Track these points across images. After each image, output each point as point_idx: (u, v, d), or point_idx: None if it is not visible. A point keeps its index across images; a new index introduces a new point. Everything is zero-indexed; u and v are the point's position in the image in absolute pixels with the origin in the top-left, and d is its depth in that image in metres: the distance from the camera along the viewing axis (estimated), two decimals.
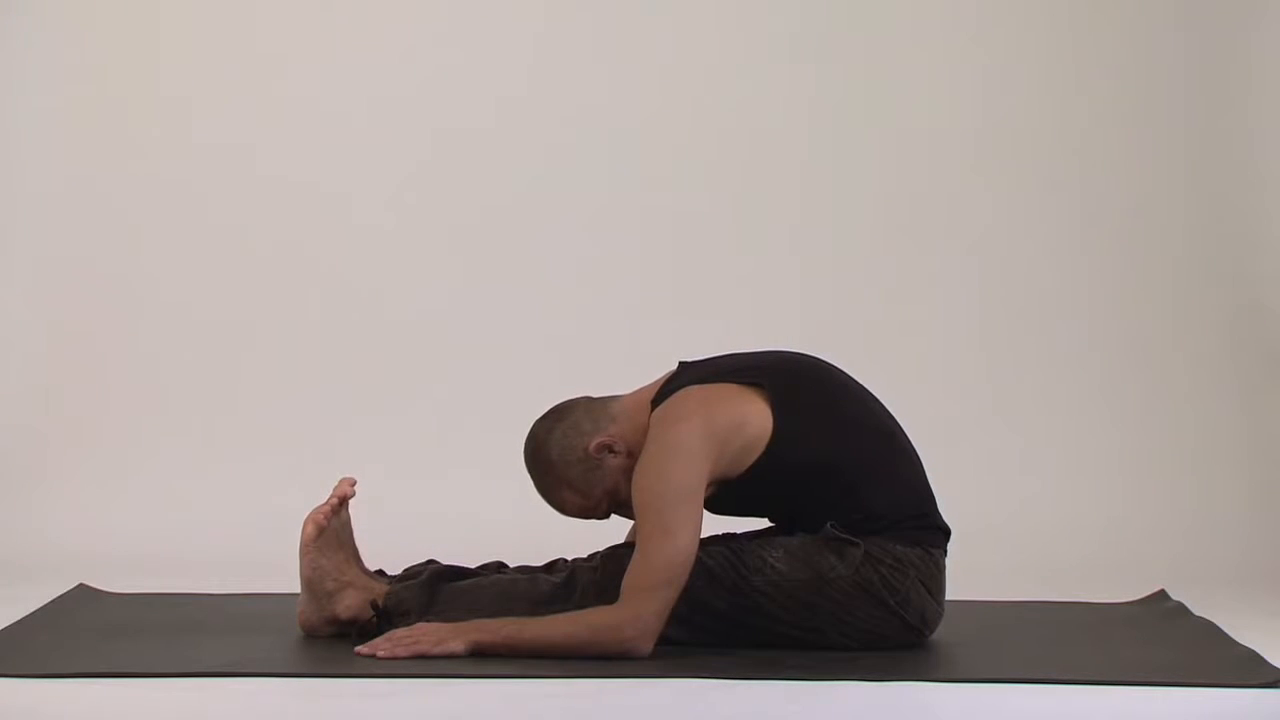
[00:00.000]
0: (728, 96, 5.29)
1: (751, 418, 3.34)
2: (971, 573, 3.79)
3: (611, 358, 4.93)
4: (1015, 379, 5.18)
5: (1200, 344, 5.17)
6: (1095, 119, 5.26)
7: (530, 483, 3.47)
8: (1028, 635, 3.64)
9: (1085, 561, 4.67)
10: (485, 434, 4.88)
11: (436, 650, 3.20)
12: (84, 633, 3.49)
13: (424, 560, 3.55)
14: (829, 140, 5.28)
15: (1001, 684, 3.12)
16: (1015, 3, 5.29)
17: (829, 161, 5.28)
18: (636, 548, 3.26)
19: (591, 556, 3.47)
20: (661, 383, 3.47)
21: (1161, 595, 4.06)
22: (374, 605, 3.42)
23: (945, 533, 3.45)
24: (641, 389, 3.48)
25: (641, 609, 3.20)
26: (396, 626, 3.33)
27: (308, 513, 3.45)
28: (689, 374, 3.44)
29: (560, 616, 3.27)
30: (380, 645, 3.23)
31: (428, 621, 3.32)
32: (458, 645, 3.21)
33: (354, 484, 3.48)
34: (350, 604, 3.43)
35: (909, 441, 3.48)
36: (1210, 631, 3.60)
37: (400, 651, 3.20)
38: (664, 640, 3.24)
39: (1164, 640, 3.58)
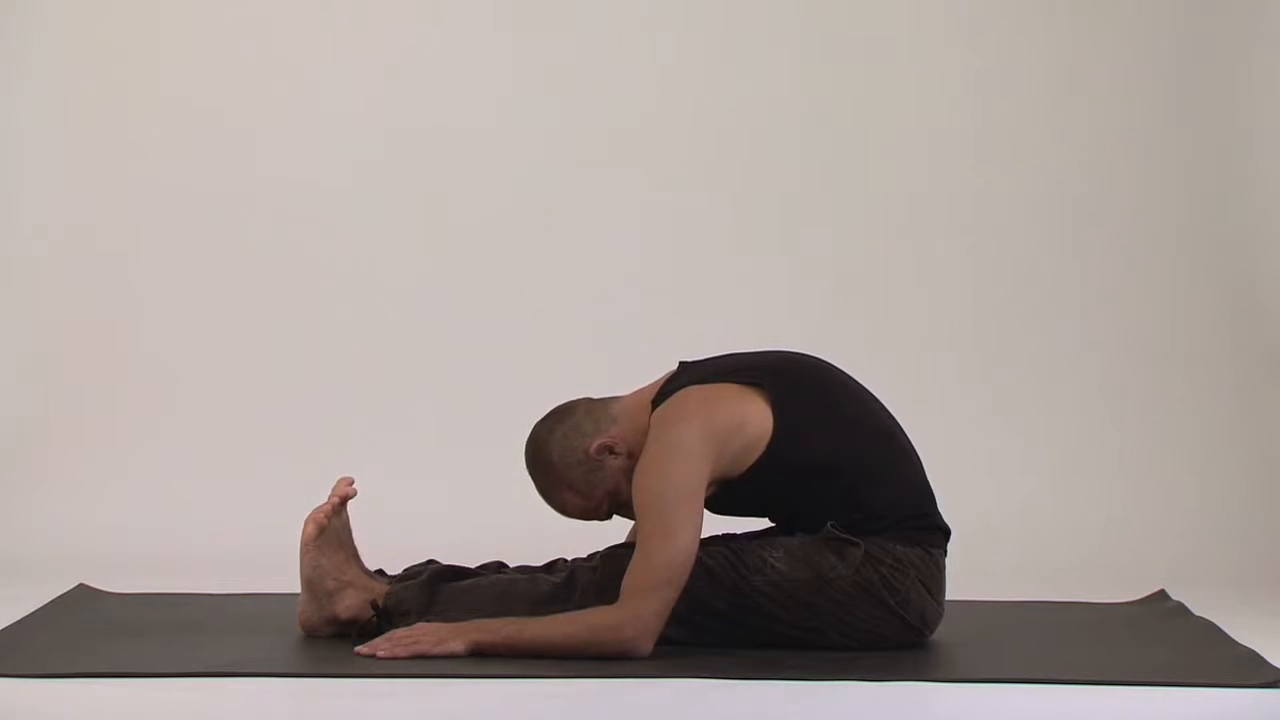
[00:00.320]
0: (728, 97, 5.28)
1: (752, 418, 3.34)
2: (971, 573, 3.79)
3: (611, 358, 4.93)
4: (1015, 379, 5.18)
5: (1199, 344, 5.17)
6: (1094, 119, 5.26)
7: (530, 483, 3.47)
8: (1028, 635, 3.64)
9: (1085, 561, 4.67)
10: (485, 434, 4.89)
11: (436, 650, 3.20)
12: (84, 633, 3.49)
13: (424, 560, 3.55)
14: (828, 141, 5.28)
15: (1001, 684, 3.12)
16: (1013, 3, 5.29)
17: (828, 162, 5.28)
18: (637, 548, 3.26)
19: (591, 556, 3.47)
20: (661, 383, 3.47)
21: (1161, 595, 4.06)
22: (374, 605, 3.42)
23: (945, 533, 3.45)
24: (641, 389, 3.48)
25: (641, 609, 3.20)
26: (396, 626, 3.33)
27: (308, 513, 3.45)
28: (689, 374, 3.44)
29: (560, 616, 3.27)
30: (380, 645, 3.23)
31: (428, 621, 3.32)
32: (458, 645, 3.21)
33: (353, 484, 3.48)
34: (350, 604, 3.43)
35: (909, 441, 3.48)
36: (1210, 631, 3.60)
37: (400, 651, 3.20)
38: (664, 640, 3.24)
39: (1164, 640, 3.58)
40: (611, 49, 5.30)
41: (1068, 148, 5.26)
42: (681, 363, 3.51)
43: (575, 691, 3.02)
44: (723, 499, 3.38)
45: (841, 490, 3.37)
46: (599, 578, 3.37)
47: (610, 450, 3.40)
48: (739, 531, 3.46)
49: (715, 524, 3.41)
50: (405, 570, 3.51)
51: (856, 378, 3.52)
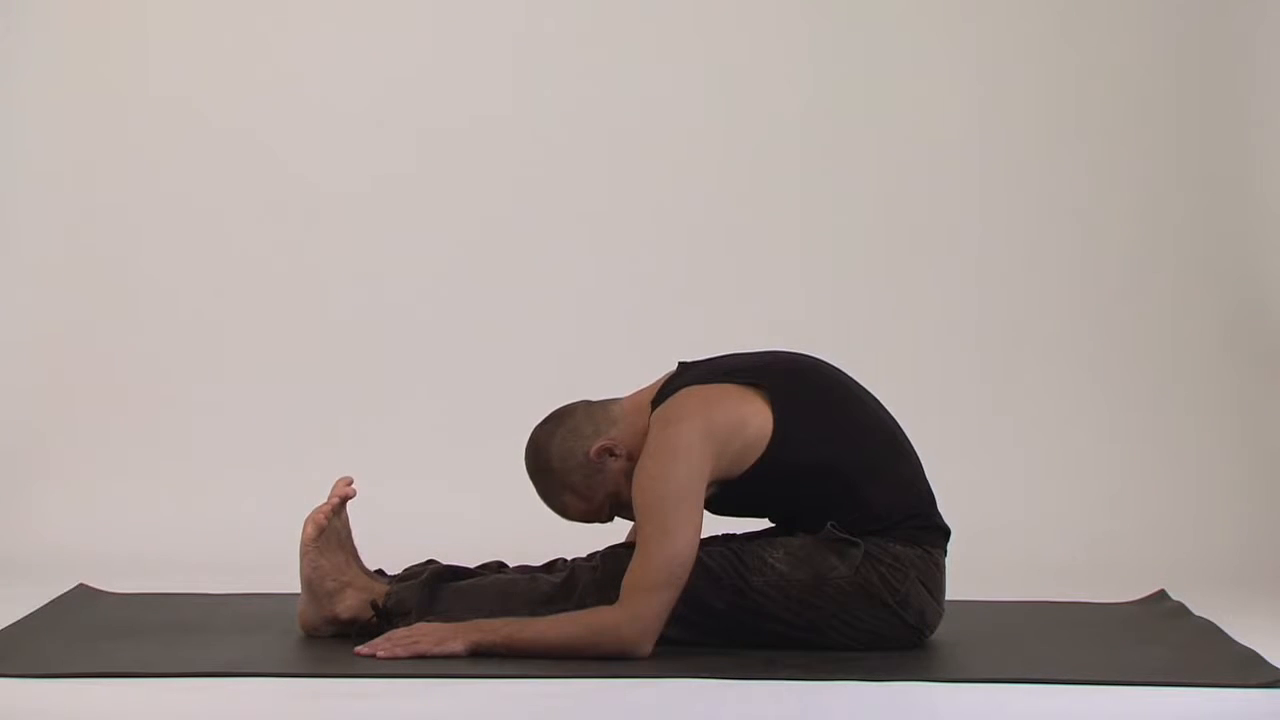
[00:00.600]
0: (728, 96, 5.29)
1: (751, 418, 3.34)
2: (971, 573, 3.79)
3: (611, 358, 4.93)
4: (1015, 379, 5.18)
5: (1200, 344, 5.17)
6: (1094, 120, 5.26)
7: (530, 484, 3.47)
8: (1027, 635, 3.64)
9: (1085, 561, 4.67)
10: (485, 434, 4.89)
11: (436, 650, 3.20)
12: (84, 633, 3.49)
13: (424, 560, 3.55)
14: (829, 141, 5.28)
15: (1001, 684, 3.12)
16: (1015, 4, 5.29)
17: (829, 162, 5.28)
18: (637, 548, 3.26)
19: (591, 556, 3.47)
20: (661, 383, 3.47)
21: (1161, 595, 4.06)
22: (374, 605, 3.42)
23: (945, 533, 3.45)
24: (641, 390, 3.48)
25: (641, 609, 3.20)
26: (396, 626, 3.33)
27: (307, 513, 3.45)
28: (689, 374, 3.44)
29: (560, 617, 3.27)
30: (380, 645, 3.23)
31: (428, 621, 3.32)
32: (458, 645, 3.21)
33: (352, 484, 3.47)
34: (350, 604, 3.43)
35: (909, 442, 3.48)
36: (1210, 631, 3.60)
37: (400, 651, 3.20)
38: (664, 640, 3.24)
39: (1164, 640, 3.58)
40: (612, 49, 5.30)
41: (1069, 151, 5.26)
42: (681, 363, 3.51)
43: (575, 691, 3.02)
44: (723, 499, 3.38)
45: (841, 490, 3.37)
46: (599, 578, 3.37)
47: (610, 452, 3.40)
48: (739, 531, 3.46)
49: (715, 524, 3.41)
50: (405, 570, 3.51)
51: (856, 378, 3.51)
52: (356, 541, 3.49)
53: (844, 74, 5.30)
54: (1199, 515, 4.92)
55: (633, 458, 3.37)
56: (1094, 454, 5.07)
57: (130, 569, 4.30)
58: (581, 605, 3.32)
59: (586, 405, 3.46)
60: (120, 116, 5.23)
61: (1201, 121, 5.24)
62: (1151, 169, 5.25)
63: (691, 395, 3.36)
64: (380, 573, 3.54)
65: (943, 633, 3.46)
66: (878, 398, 3.51)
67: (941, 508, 3.47)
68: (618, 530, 3.57)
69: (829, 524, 3.35)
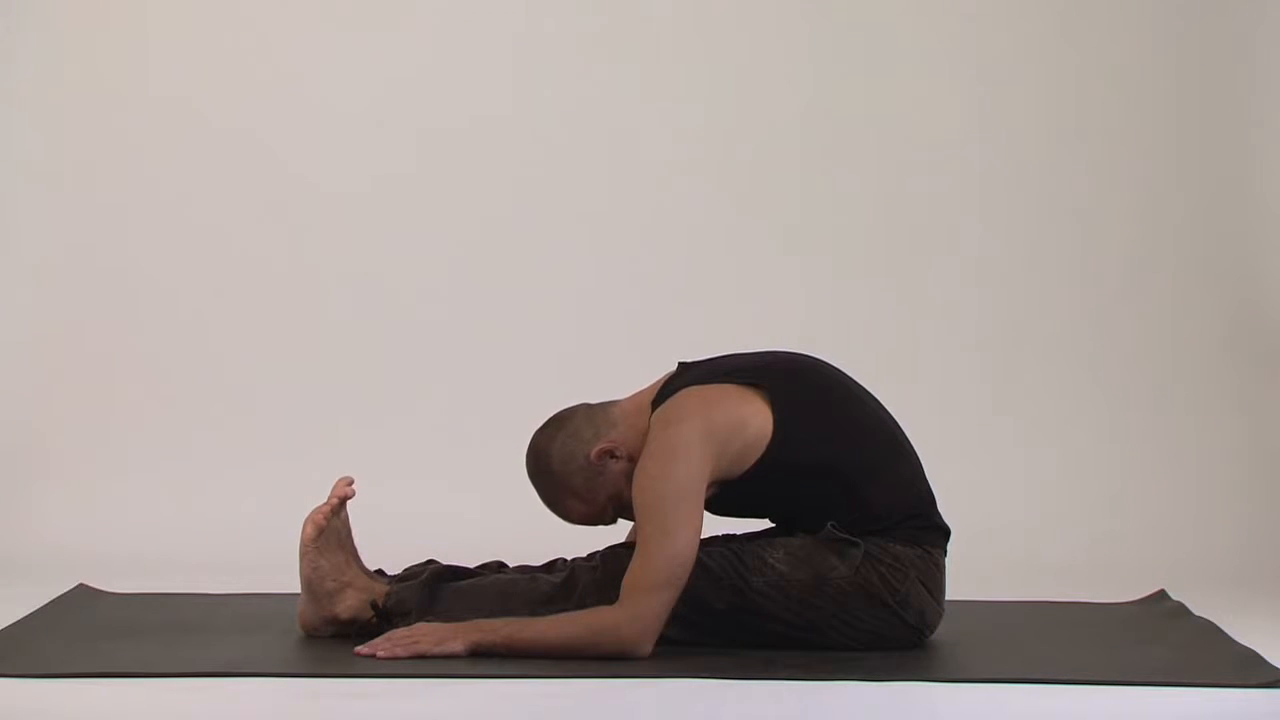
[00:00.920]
0: (728, 96, 5.28)
1: (751, 418, 3.34)
2: (971, 573, 3.79)
3: (611, 358, 4.93)
4: (1015, 379, 5.18)
5: (1200, 344, 5.17)
6: (1094, 120, 5.26)
7: (530, 485, 3.47)
8: (1028, 635, 3.64)
9: (1085, 561, 4.67)
10: (485, 434, 4.90)
11: (436, 650, 3.20)
12: (84, 633, 3.49)
13: (424, 560, 3.55)
14: (829, 140, 5.28)
15: (1001, 684, 3.12)
16: (1015, 5, 5.29)
17: (829, 162, 5.28)
18: (637, 548, 3.26)
19: (591, 556, 3.47)
20: (661, 384, 3.47)
21: (1161, 595, 4.06)
22: (374, 605, 3.42)
23: (945, 533, 3.45)
24: (640, 391, 3.48)
25: (641, 609, 3.20)
26: (396, 626, 3.33)
27: (307, 513, 3.45)
28: (689, 375, 3.44)
29: (560, 617, 3.27)
30: (380, 645, 3.23)
31: (428, 621, 3.32)
32: (458, 645, 3.21)
33: (352, 484, 3.47)
34: (350, 604, 3.43)
35: (909, 442, 3.48)
36: (1210, 631, 3.60)
37: (400, 651, 3.20)
38: (664, 640, 3.24)
39: (1164, 640, 3.58)
40: (612, 49, 5.30)
41: (1069, 151, 5.26)
42: (681, 363, 3.51)
43: (575, 691, 3.02)
44: (723, 499, 3.38)
45: (841, 490, 3.37)
46: (599, 578, 3.37)
47: (611, 454, 3.40)
48: (739, 531, 3.46)
49: (715, 524, 3.41)
50: (405, 570, 3.51)
51: (856, 378, 3.51)
52: (356, 541, 3.49)
53: (844, 74, 5.30)
54: (1199, 515, 4.92)
55: (633, 459, 3.36)
56: (1094, 454, 5.07)
57: (130, 569, 4.30)
58: (581, 605, 3.32)
59: (586, 408, 3.46)
60: (120, 116, 5.23)
61: (1202, 121, 5.24)
62: (1152, 169, 5.25)
63: (691, 396, 3.36)
64: (380, 573, 3.54)
65: (943, 633, 3.46)
66: (878, 398, 3.51)
67: (941, 508, 3.47)
68: (617, 530, 3.57)
69: (829, 524, 3.35)
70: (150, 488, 4.94)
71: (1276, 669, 3.18)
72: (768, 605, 3.33)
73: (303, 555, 3.44)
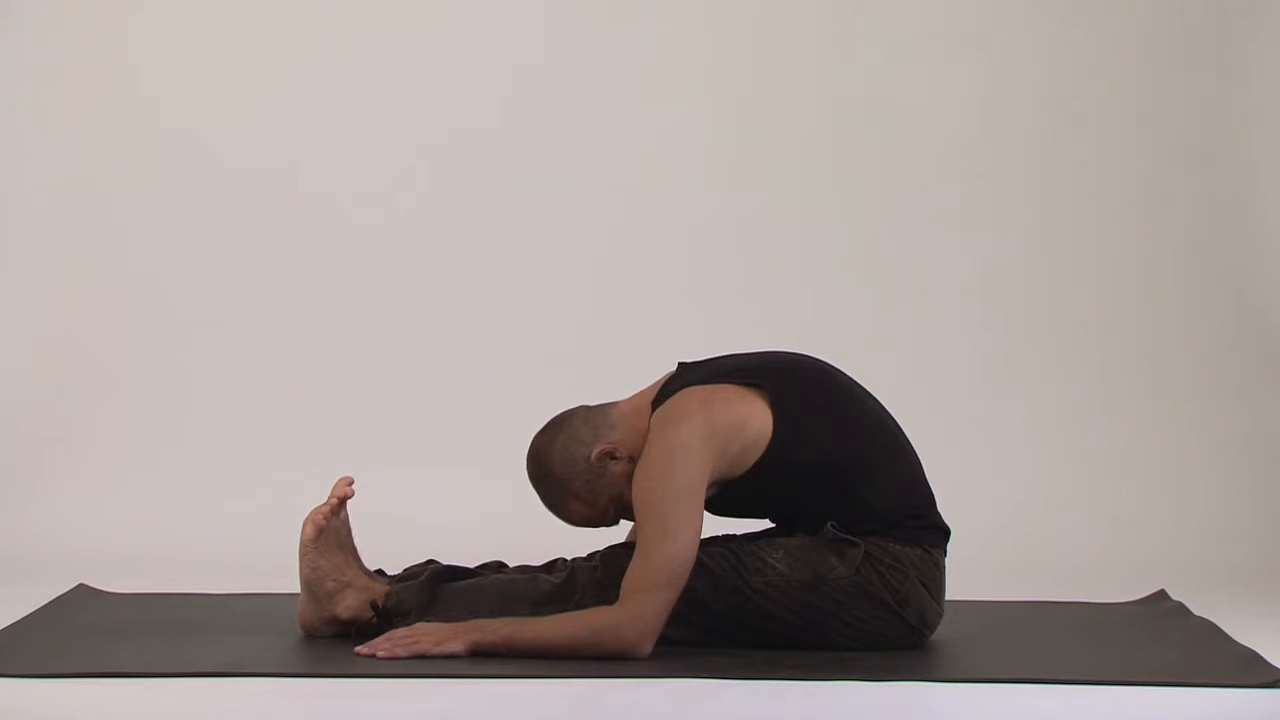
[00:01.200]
0: (728, 97, 5.28)
1: (752, 419, 3.33)
2: (971, 573, 3.79)
3: (611, 358, 4.93)
4: (1015, 379, 5.18)
5: (1200, 344, 5.17)
6: (1094, 120, 5.26)
7: (530, 484, 3.46)
8: (1028, 635, 3.64)
9: (1085, 561, 4.67)
10: (485, 434, 4.90)
11: (436, 650, 3.20)
12: (84, 633, 3.49)
13: (424, 560, 3.55)
14: (831, 141, 5.28)
15: (1001, 684, 3.12)
16: (1016, 7, 5.29)
17: (830, 162, 5.27)
18: (637, 548, 3.26)
19: (591, 556, 3.47)
20: (661, 384, 3.47)
21: (1161, 595, 4.06)
22: (374, 605, 3.42)
23: (945, 533, 3.45)
24: (640, 392, 3.48)
25: (641, 609, 3.20)
26: (396, 626, 3.33)
27: (307, 513, 3.45)
28: (689, 375, 3.44)
29: (560, 617, 3.27)
30: (380, 645, 3.23)
31: (428, 621, 3.32)
32: (457, 645, 3.21)
33: (352, 484, 3.47)
34: (350, 604, 3.43)
35: (909, 441, 3.48)
36: (1210, 631, 3.60)
37: (400, 651, 3.20)
38: (664, 640, 3.24)
39: (1164, 640, 3.58)
40: (614, 50, 5.30)
41: (1070, 150, 5.26)
42: (681, 363, 3.51)
43: (575, 691, 3.02)
44: (723, 500, 3.38)
45: (841, 490, 3.37)
46: (599, 578, 3.38)
47: (612, 456, 3.40)
48: (739, 532, 3.46)
49: (715, 524, 3.41)
50: (405, 570, 3.51)
51: (857, 378, 3.51)
52: (356, 541, 3.49)
53: (847, 72, 5.29)
54: (1199, 515, 4.91)
55: (634, 460, 3.36)
56: (1094, 454, 5.07)
57: (130, 569, 4.30)
58: (581, 605, 3.32)
59: (585, 410, 3.46)
60: (119, 127, 5.22)
61: (1205, 121, 5.24)
62: (1154, 169, 5.24)
63: (691, 396, 3.36)
64: (380, 573, 3.54)
65: (943, 633, 3.46)
66: (878, 398, 3.51)
67: (941, 508, 3.47)
68: (617, 530, 3.57)
69: (829, 524, 3.35)
70: (150, 488, 4.94)
71: (1276, 669, 3.18)
72: (767, 605, 3.33)
73: (302, 555, 3.44)
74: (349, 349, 5.17)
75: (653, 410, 3.39)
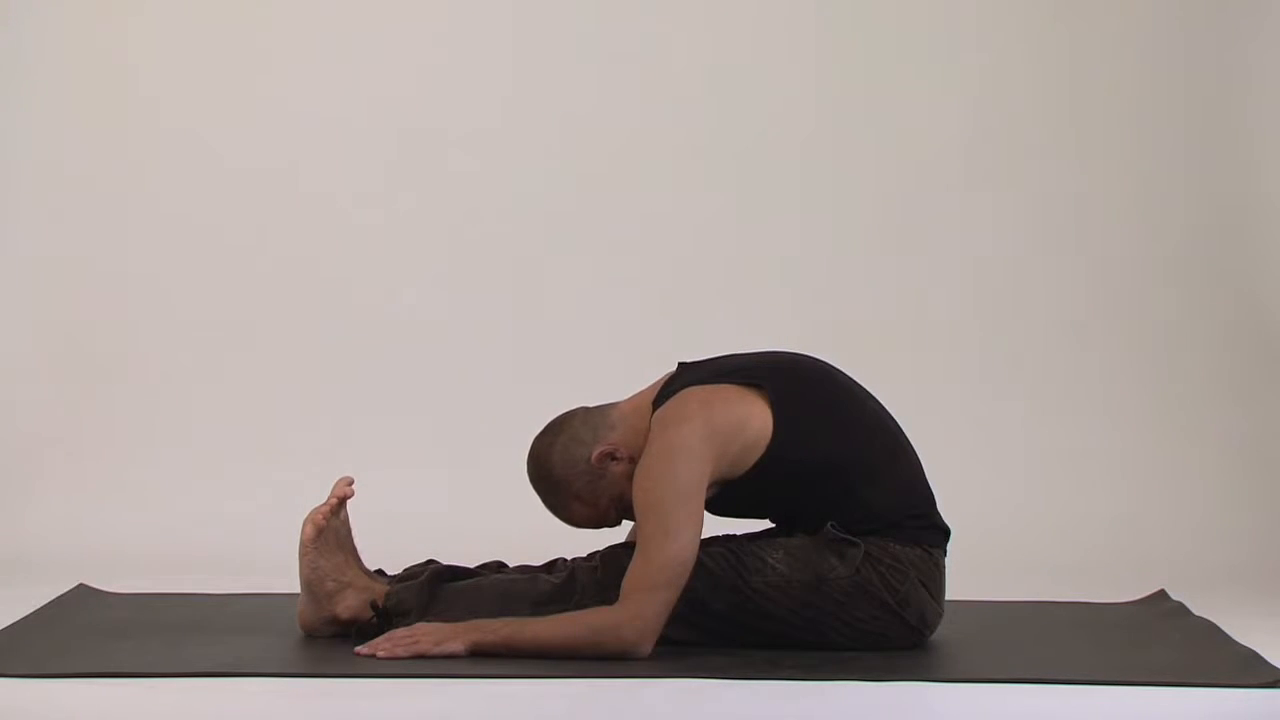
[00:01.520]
0: (728, 97, 5.28)
1: (752, 419, 3.33)
2: (971, 573, 3.79)
3: (611, 358, 4.93)
4: (1015, 379, 5.18)
5: (1200, 344, 5.17)
6: (1094, 120, 5.26)
7: (530, 484, 3.46)
8: (1028, 635, 3.64)
9: (1085, 561, 4.67)
10: (485, 434, 4.90)
11: (436, 650, 3.20)
12: (84, 633, 3.49)
13: (424, 560, 3.55)
14: (828, 141, 5.27)
15: (1001, 684, 3.12)
16: (1017, 6, 5.29)
17: (828, 162, 5.27)
18: (637, 548, 3.26)
19: (591, 556, 3.47)
20: (661, 384, 3.47)
21: (1161, 595, 4.06)
22: (374, 605, 3.42)
23: (945, 533, 3.45)
24: (640, 392, 3.48)
25: (641, 609, 3.20)
26: (396, 626, 3.33)
27: (307, 513, 3.45)
28: (689, 375, 3.44)
29: (560, 617, 3.27)
30: (380, 645, 3.23)
31: (428, 621, 3.32)
32: (457, 645, 3.21)
33: (352, 484, 3.47)
34: (350, 604, 3.43)
35: (909, 442, 3.48)
36: (1210, 631, 3.60)
37: (400, 651, 3.20)
38: (664, 640, 3.24)
39: (1164, 640, 3.58)
40: (611, 50, 5.30)
41: (1069, 150, 5.26)
42: (681, 363, 3.51)
43: (575, 691, 3.02)
44: (723, 500, 3.38)
45: (841, 490, 3.37)
46: (599, 578, 3.38)
47: (612, 457, 3.40)
48: (739, 532, 3.46)
49: (715, 524, 3.41)
50: (405, 570, 3.51)
51: (856, 378, 3.51)
52: (356, 541, 3.49)
53: (845, 74, 5.29)
54: (1199, 515, 4.91)
55: (634, 460, 3.36)
56: (1094, 454, 5.07)
57: (130, 569, 4.30)
58: (581, 605, 3.32)
59: (584, 411, 3.46)
60: (118, 121, 5.22)
61: (1204, 121, 5.24)
62: (1155, 171, 5.24)
63: (692, 396, 3.36)
64: (380, 573, 3.54)
65: (943, 633, 3.46)
66: (878, 398, 3.51)
67: (941, 508, 3.47)
68: (617, 530, 3.57)
69: (829, 524, 3.35)
70: (150, 488, 4.94)
71: (1276, 669, 3.18)
72: (768, 605, 3.33)
73: (302, 555, 3.44)
74: (349, 349, 5.17)
75: (653, 410, 3.39)
